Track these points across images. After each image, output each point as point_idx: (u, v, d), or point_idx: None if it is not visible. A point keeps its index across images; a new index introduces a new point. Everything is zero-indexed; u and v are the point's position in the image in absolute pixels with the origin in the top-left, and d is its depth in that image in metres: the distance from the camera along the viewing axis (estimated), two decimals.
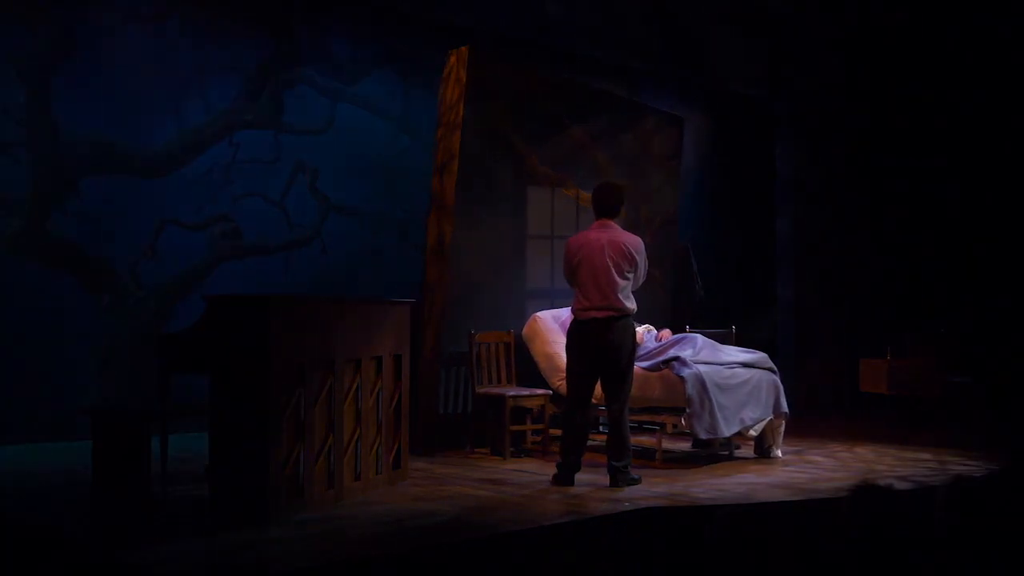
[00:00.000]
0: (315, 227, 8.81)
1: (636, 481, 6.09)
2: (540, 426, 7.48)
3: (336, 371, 5.39)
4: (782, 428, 7.37)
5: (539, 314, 7.88)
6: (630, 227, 6.87)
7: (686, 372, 6.75)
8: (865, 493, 5.15)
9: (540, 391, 7.51)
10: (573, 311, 6.27)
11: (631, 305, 6.14)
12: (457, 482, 6.17)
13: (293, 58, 8.72)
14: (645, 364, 7.03)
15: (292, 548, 4.45)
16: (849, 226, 11.20)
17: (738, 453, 7.36)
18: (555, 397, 7.45)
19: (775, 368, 7.37)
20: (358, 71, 9.11)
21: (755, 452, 7.36)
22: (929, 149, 10.82)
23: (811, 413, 10.06)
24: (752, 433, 7.13)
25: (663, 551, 4.85)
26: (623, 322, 6.09)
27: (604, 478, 6.11)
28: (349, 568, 4.22)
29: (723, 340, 7.98)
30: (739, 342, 7.95)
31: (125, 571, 4.14)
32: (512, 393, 7.36)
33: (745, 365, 7.23)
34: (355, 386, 5.62)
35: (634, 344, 6.25)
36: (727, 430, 6.82)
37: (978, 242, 10.53)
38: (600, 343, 6.07)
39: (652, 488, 6.00)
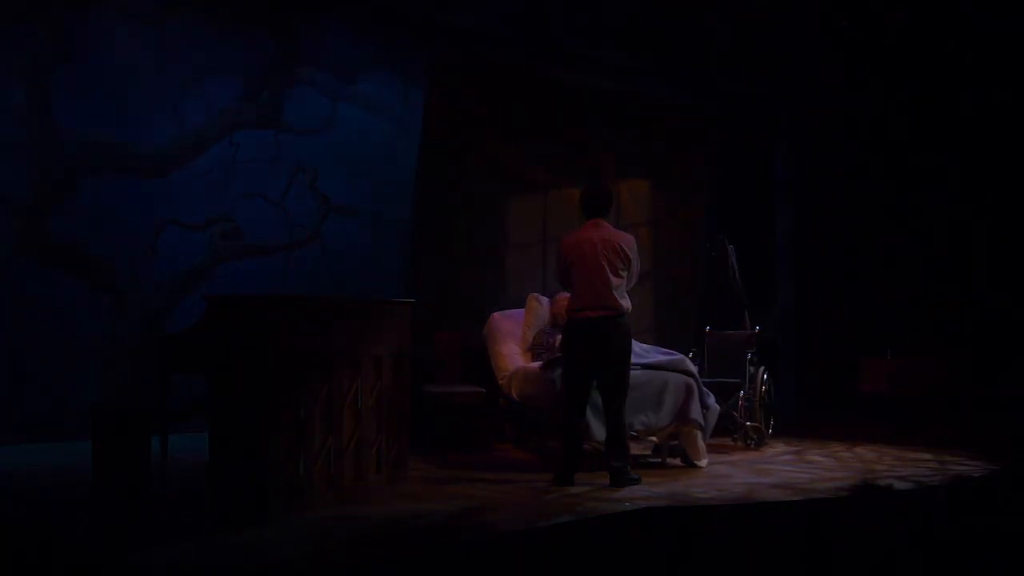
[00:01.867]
0: (315, 227, 8.80)
1: (636, 481, 6.09)
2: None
3: (336, 371, 5.39)
4: (697, 438, 6.83)
5: (495, 314, 7.93)
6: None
7: (557, 372, 6.63)
8: (865, 493, 5.15)
9: (471, 388, 7.51)
10: (567, 311, 6.28)
11: (626, 304, 6.15)
12: (457, 482, 6.16)
13: (293, 58, 8.72)
14: (540, 363, 7.07)
15: (292, 548, 4.45)
16: (849, 226, 11.19)
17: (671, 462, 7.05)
18: (494, 394, 7.48)
19: (694, 372, 6.96)
20: (358, 71, 9.10)
21: (682, 461, 6.99)
22: (929, 148, 10.81)
23: (811, 413, 10.06)
24: (653, 439, 6.84)
25: (663, 551, 4.84)
26: (618, 321, 6.09)
27: (604, 478, 6.11)
28: (349, 568, 4.22)
29: (742, 341, 7.98)
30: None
31: (125, 571, 4.14)
32: (438, 389, 7.37)
33: (648, 367, 6.82)
34: (355, 386, 5.62)
35: (629, 343, 6.22)
36: (603, 434, 6.45)
37: (979, 241, 10.52)
38: (595, 342, 6.07)
39: (652, 488, 6.00)
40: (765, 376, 8.03)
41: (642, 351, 7.11)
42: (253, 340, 4.93)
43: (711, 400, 7.04)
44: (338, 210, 8.91)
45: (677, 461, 7.03)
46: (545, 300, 7.88)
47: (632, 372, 6.46)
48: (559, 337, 7.35)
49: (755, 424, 7.83)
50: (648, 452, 7.22)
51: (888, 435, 8.46)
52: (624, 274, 6.14)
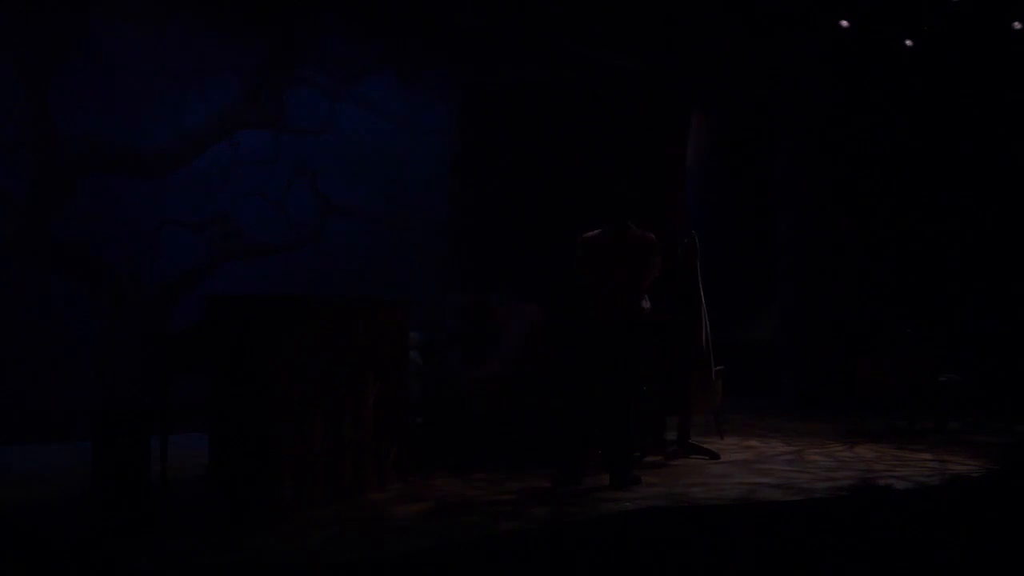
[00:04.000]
0: (315, 227, 8.81)
1: (636, 481, 6.09)
2: None
3: (336, 371, 5.39)
4: None
5: None
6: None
7: None
8: (864, 493, 5.15)
9: None
10: (585, 310, 6.25)
11: (646, 305, 6.16)
12: (457, 482, 6.16)
13: (293, 58, 8.73)
14: None
15: (292, 548, 4.45)
16: (849, 226, 11.20)
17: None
18: None
19: None
20: (358, 71, 9.11)
21: None
22: (928, 149, 10.82)
23: (811, 413, 10.05)
24: None
25: (663, 551, 4.84)
26: (640, 322, 6.09)
27: (604, 478, 6.11)
28: (349, 568, 4.22)
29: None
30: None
31: (125, 572, 4.14)
32: None
33: None
34: (355, 386, 5.62)
35: (646, 344, 6.21)
36: None
37: (980, 242, 10.53)
38: (615, 344, 6.07)
39: (652, 488, 5.99)
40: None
41: None
42: (253, 340, 4.93)
43: None
44: (338, 210, 8.91)
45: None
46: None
47: None
48: None
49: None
50: None
51: (888, 435, 8.46)
52: (643, 274, 6.14)
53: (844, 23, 9.92)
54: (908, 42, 10.07)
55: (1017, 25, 9.53)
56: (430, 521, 5.04)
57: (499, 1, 9.20)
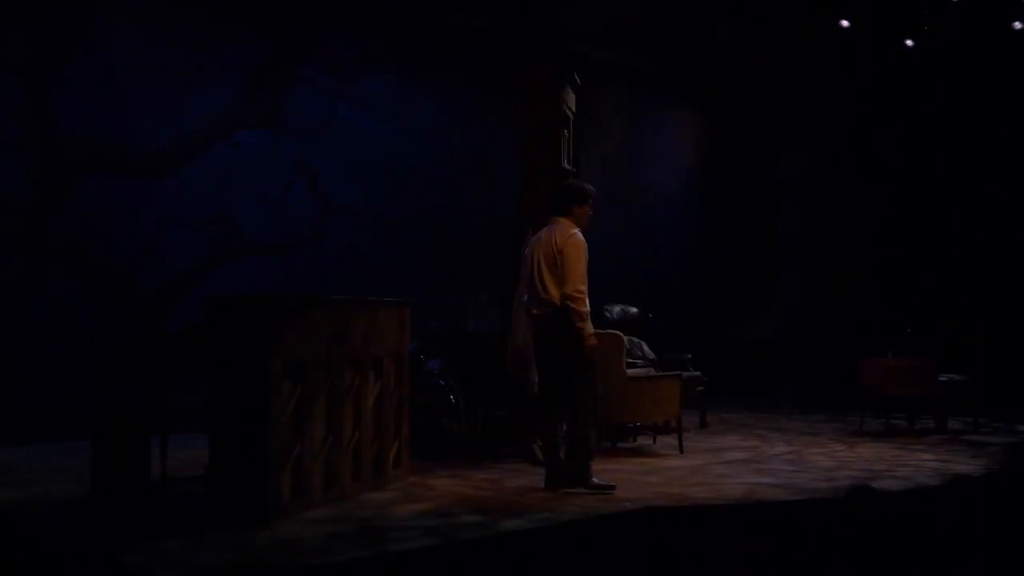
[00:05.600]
0: (315, 227, 8.80)
1: (605, 486, 5.90)
2: None
3: (336, 371, 5.39)
4: None
5: None
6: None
7: None
8: (863, 494, 5.15)
9: None
10: (527, 304, 6.16)
11: (566, 302, 5.81)
12: (456, 482, 6.16)
13: (293, 58, 8.72)
14: None
15: (292, 548, 4.45)
16: (849, 225, 11.20)
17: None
18: None
19: None
20: (358, 71, 9.11)
21: None
22: (929, 149, 10.81)
23: (811, 413, 10.06)
24: None
25: (663, 551, 4.84)
26: (557, 320, 5.84)
27: (605, 477, 6.10)
28: (349, 568, 4.22)
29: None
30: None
31: (125, 571, 4.14)
32: None
33: None
34: (354, 386, 5.62)
35: (572, 342, 5.82)
36: None
37: (980, 243, 10.52)
38: (541, 341, 6.01)
39: (652, 488, 5.99)
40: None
41: None
42: (253, 340, 4.93)
43: None
44: (339, 210, 8.91)
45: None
46: None
47: None
48: None
49: None
50: None
51: (888, 435, 8.46)
52: (558, 272, 5.84)
53: (844, 23, 9.91)
54: (908, 42, 10.07)
55: (1017, 25, 9.53)
56: (430, 521, 5.04)
57: (499, 1, 9.20)
